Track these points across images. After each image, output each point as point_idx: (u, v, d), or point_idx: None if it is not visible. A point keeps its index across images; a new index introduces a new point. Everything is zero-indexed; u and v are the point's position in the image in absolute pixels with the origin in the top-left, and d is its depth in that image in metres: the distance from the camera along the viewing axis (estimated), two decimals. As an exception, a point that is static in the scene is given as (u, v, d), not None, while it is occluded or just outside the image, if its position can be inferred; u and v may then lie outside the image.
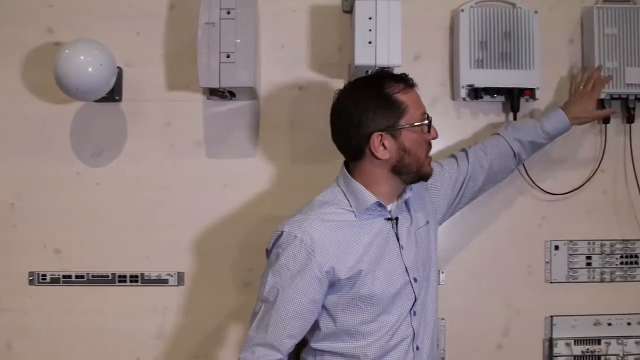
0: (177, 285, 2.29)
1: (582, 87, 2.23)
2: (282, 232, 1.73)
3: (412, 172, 1.76)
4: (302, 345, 1.83)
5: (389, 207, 1.80)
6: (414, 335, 1.79)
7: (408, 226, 1.83)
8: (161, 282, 2.29)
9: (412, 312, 1.79)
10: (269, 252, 1.78)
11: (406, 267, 1.78)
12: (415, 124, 1.73)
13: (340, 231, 1.73)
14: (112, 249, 2.29)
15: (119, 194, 2.29)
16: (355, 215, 1.76)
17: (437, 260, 1.95)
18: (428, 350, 1.82)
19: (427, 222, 1.91)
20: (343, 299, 1.74)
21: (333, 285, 1.73)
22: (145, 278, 2.29)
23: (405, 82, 1.75)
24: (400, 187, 1.81)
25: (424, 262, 1.85)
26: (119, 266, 2.29)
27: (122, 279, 2.29)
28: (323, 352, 1.79)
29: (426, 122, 1.75)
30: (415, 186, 1.85)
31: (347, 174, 1.80)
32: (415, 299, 1.79)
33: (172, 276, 2.29)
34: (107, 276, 2.29)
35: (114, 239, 2.29)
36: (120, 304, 2.29)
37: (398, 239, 1.79)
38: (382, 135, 1.72)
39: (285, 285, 1.69)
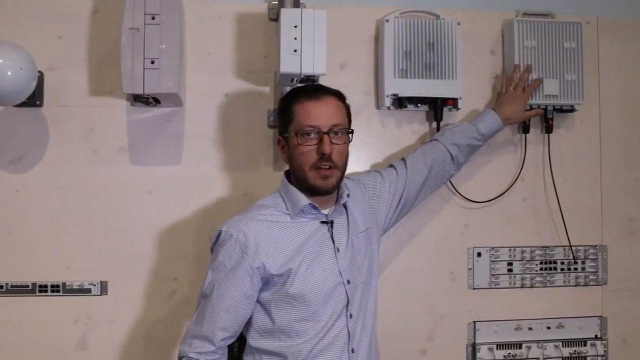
0: (100, 295, 2.24)
1: (512, 89, 2.30)
2: (220, 231, 1.84)
3: (299, 179, 1.85)
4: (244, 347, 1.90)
5: (325, 211, 1.87)
6: (349, 337, 1.83)
7: (346, 230, 1.90)
8: (83, 291, 2.24)
9: (349, 315, 1.84)
10: (211, 251, 1.87)
11: (339, 269, 1.84)
12: (294, 133, 1.82)
13: (274, 231, 1.83)
14: (32, 257, 2.23)
15: (39, 201, 2.23)
16: (291, 217, 1.85)
17: (379, 267, 2.02)
18: (365, 354, 1.87)
19: (367, 229, 1.97)
20: (276, 296, 1.81)
21: (267, 282, 1.81)
22: (67, 287, 2.23)
23: (312, 94, 1.84)
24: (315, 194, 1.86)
25: (361, 266, 1.91)
26: (39, 275, 2.23)
27: (43, 288, 2.23)
28: (260, 350, 1.84)
29: (305, 132, 1.80)
30: (355, 193, 1.94)
31: (286, 180, 1.90)
32: (347, 300, 1.84)
33: (94, 285, 2.24)
34: (27, 286, 2.22)
35: (33, 247, 2.23)
36: (40, 315, 2.23)
37: (333, 241, 1.86)
38: (282, 140, 1.89)
39: (220, 280, 1.79)
